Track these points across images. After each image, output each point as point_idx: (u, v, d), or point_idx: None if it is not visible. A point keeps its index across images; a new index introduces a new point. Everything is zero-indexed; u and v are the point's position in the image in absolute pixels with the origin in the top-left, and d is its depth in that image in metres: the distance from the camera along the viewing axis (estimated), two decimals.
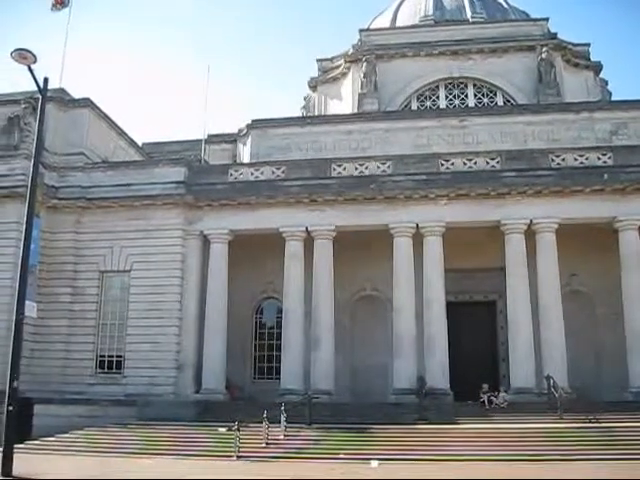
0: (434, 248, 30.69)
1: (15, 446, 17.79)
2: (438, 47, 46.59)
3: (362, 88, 46.27)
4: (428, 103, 46.84)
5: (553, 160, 31.11)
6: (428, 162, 31.74)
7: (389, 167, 31.93)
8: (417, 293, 30.50)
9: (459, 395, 28.84)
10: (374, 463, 20.00)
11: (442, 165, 31.58)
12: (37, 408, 28.80)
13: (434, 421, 24.89)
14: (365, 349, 32.95)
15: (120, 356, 31.90)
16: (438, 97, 46.86)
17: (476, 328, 33.76)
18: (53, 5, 35.37)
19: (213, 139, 44.67)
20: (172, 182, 32.99)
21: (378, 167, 32.11)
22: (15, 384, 17.63)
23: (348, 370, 32.43)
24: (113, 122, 38.14)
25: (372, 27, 52.82)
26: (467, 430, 23.79)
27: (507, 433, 22.96)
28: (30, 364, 29.01)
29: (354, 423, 24.79)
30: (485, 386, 29.00)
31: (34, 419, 28.40)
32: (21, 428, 21.02)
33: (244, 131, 41.43)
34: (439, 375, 29.21)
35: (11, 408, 17.49)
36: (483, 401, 28.25)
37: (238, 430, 21.84)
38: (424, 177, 31.14)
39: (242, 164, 37.19)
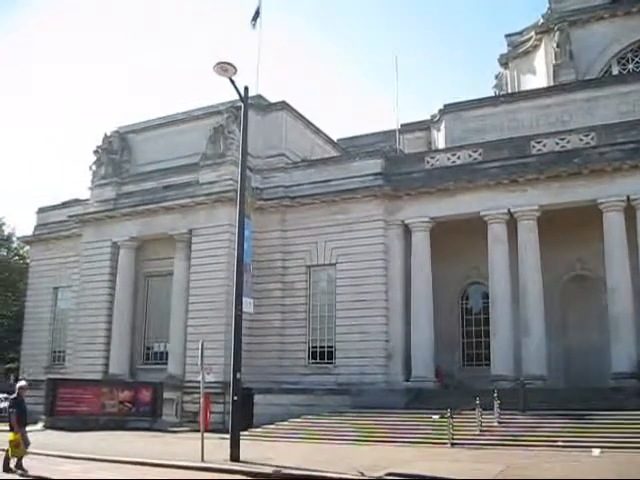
0: None
1: (240, 433, 19.01)
2: (637, 4, 43.28)
3: (556, 59, 44.17)
4: (631, 66, 43.75)
5: None
6: (636, 129, 29.61)
7: (593, 139, 30.23)
8: (632, 270, 28.57)
9: None
10: (596, 451, 19.04)
11: None
12: (257, 398, 30.53)
13: None
14: (578, 331, 31.43)
15: (330, 347, 32.97)
16: None
17: None
18: (254, 22, 37.28)
19: (406, 128, 44.67)
20: (370, 174, 33.53)
21: (581, 140, 30.52)
22: (238, 376, 18.78)
23: (561, 354, 31.15)
24: (308, 121, 39.42)
25: None
26: None
27: None
28: (248, 357, 30.65)
29: (570, 409, 23.78)
30: None
31: (255, 408, 30.13)
32: (244, 416, 22.33)
33: (437, 117, 41.08)
34: None
35: (236, 398, 18.69)
36: None
37: (451, 417, 21.78)
38: (632, 146, 29.11)
39: (437, 150, 36.89)
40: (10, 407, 17.26)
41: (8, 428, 17.12)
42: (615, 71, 43.72)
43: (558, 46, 44.22)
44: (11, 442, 16.76)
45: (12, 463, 16.85)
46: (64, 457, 19.04)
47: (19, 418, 16.97)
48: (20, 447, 16.72)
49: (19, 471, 16.52)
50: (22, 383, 18.12)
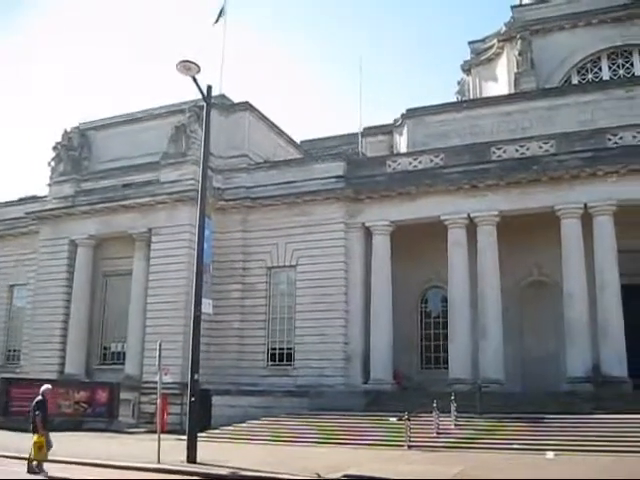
0: (605, 228, 29.12)
1: (197, 434, 18.89)
2: (598, 15, 43.95)
3: (518, 67, 44.65)
4: (590, 76, 44.48)
5: None
6: (594, 138, 30.14)
7: (552, 146, 30.71)
8: (588, 277, 29.03)
9: (638, 384, 27.18)
10: (550, 454, 19.37)
11: (609, 140, 29.85)
12: (215, 399, 30.41)
13: (612, 411, 23.62)
14: (535, 336, 31.81)
15: (290, 348, 32.93)
16: (600, 69, 44.30)
17: None
18: (216, 20, 37.25)
19: (369, 131, 44.84)
20: (332, 177, 33.60)
21: (540, 147, 30.98)
22: (196, 377, 18.68)
23: (518, 358, 31.48)
24: (272, 122, 39.33)
25: (524, 2, 50.92)
26: None
27: None
28: (207, 358, 30.51)
29: (526, 412, 24.05)
30: None
31: (213, 409, 29.98)
32: (202, 418, 22.19)
33: (399, 121, 41.28)
34: (615, 363, 27.62)
35: (193, 399, 18.59)
36: None
37: (408, 420, 21.90)
38: (590, 154, 29.59)
39: (400, 154, 37.09)
40: (36, 409, 17.25)
41: (32, 430, 17.23)
42: (575, 81, 44.40)
43: (520, 54, 44.73)
44: (35, 444, 16.83)
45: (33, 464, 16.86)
46: (17, 458, 18.70)
47: (43, 421, 17.03)
48: (43, 450, 16.82)
49: (41, 474, 16.55)
50: (47, 386, 18.27)
